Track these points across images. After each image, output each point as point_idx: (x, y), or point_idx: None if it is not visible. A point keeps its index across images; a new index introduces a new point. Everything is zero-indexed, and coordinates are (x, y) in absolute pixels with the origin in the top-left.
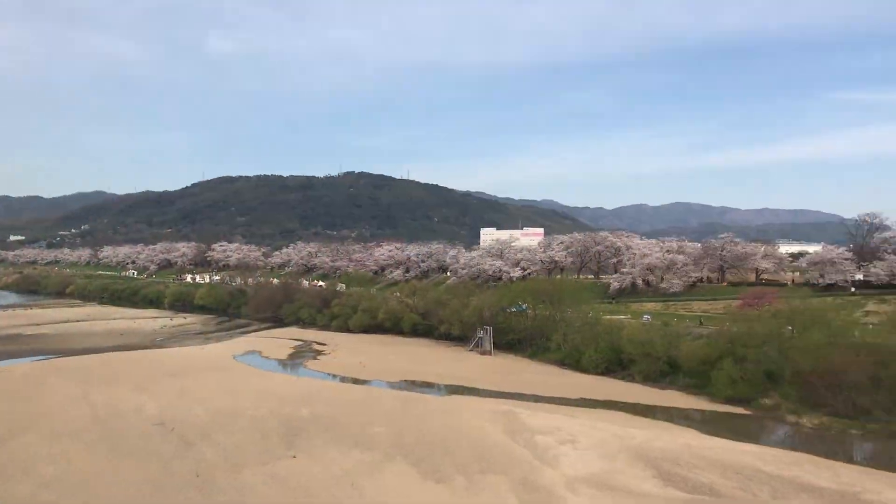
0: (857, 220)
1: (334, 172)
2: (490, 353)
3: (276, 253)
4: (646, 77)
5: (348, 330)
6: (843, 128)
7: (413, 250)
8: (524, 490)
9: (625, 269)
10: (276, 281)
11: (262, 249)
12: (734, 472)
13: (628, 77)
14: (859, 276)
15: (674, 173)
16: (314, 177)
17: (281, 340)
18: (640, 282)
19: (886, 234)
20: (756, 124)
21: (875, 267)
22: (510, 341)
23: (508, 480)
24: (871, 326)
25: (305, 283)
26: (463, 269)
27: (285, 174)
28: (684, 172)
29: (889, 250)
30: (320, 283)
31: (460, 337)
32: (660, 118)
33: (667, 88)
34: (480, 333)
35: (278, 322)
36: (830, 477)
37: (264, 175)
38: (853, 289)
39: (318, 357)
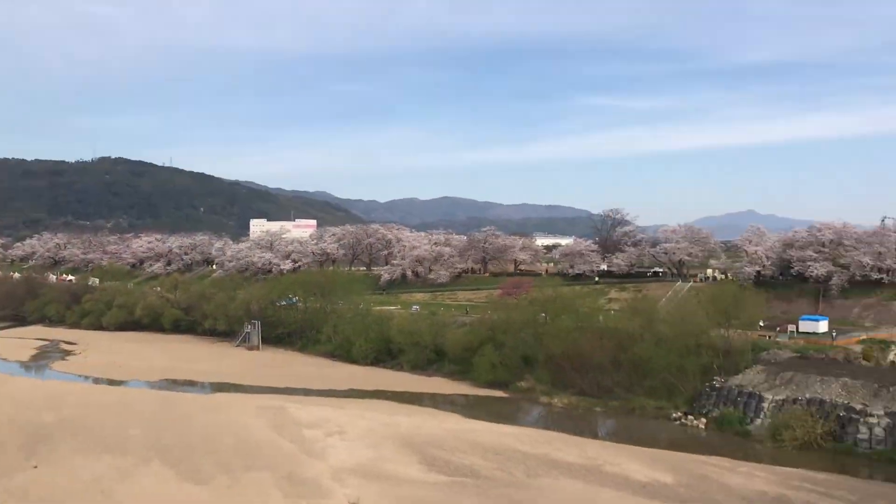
0: (602, 216)
1: (87, 157)
2: (258, 348)
3: (19, 244)
4: (416, 73)
5: (102, 328)
6: (592, 130)
7: (175, 242)
8: (289, 484)
9: (395, 261)
10: (17, 275)
11: (2, 241)
12: (494, 453)
13: (400, 72)
14: (604, 267)
15: (443, 168)
16: (64, 161)
17: (23, 340)
18: (409, 273)
19: (626, 229)
20: (517, 124)
21: (617, 258)
22: (280, 335)
23: (274, 476)
24: (612, 312)
25: (52, 277)
26: (230, 261)
27: (29, 158)
28: (453, 168)
29: (629, 243)
30: (70, 277)
31: (226, 332)
32: (430, 114)
33: (436, 85)
34: (248, 328)
35: (20, 320)
36: (578, 453)
37: (3, 158)
38: (597, 278)
39: (67, 357)
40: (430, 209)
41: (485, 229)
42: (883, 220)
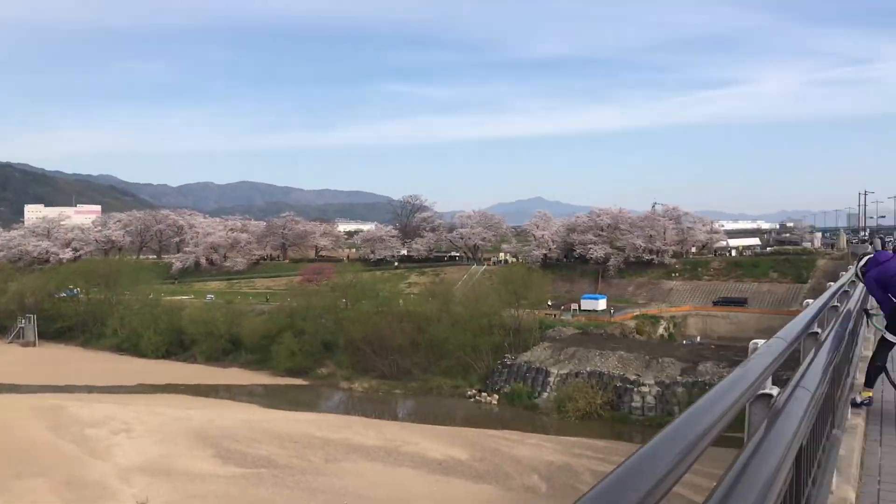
0: (402, 202)
1: None
2: (34, 344)
3: None
4: (211, 52)
5: None
6: (394, 117)
7: None
8: (69, 489)
9: (188, 248)
10: None
11: None
12: (291, 441)
13: (194, 51)
14: (404, 252)
15: (240, 152)
16: None
17: None
18: (204, 261)
19: (425, 214)
20: (319, 109)
21: (416, 243)
22: (59, 329)
23: (51, 482)
24: (412, 296)
25: None
26: (0, 250)
27: None
28: (251, 151)
29: (427, 228)
30: None
31: None
32: (227, 95)
33: (234, 65)
34: (22, 323)
35: None
36: (376, 435)
37: None
38: (396, 263)
39: None
40: (226, 194)
41: (284, 215)
42: (653, 206)
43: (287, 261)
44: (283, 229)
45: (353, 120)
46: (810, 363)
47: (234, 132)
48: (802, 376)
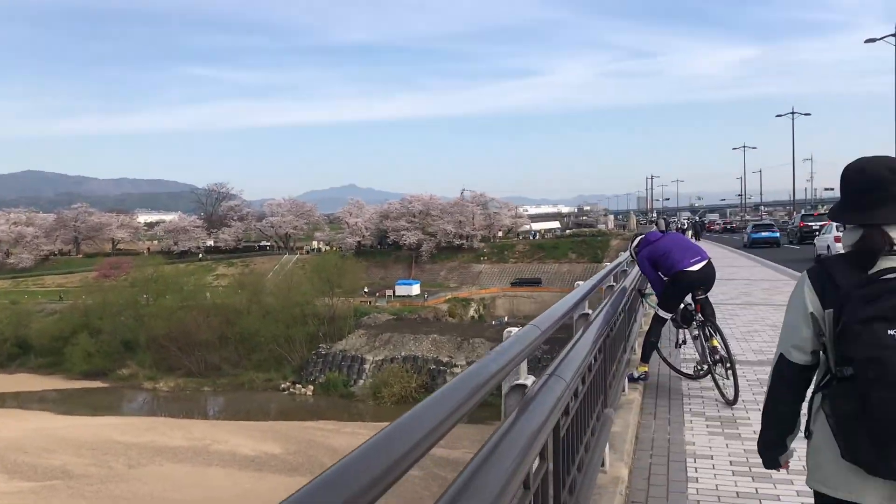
0: (207, 190)
1: None
2: None
3: None
4: None
5: None
6: (196, 102)
7: None
8: None
9: None
10: None
11: None
12: (89, 448)
13: None
14: (210, 242)
15: (24, 138)
16: None
17: None
18: None
19: (232, 203)
20: (115, 93)
21: (223, 233)
22: None
23: None
24: (220, 289)
25: None
26: None
27: None
28: (36, 138)
29: (235, 217)
30: None
31: None
32: (2, 78)
33: (7, 44)
34: None
35: None
36: (183, 435)
37: None
38: (201, 255)
39: None
40: (8, 184)
41: (76, 206)
42: (462, 192)
43: (81, 255)
44: (76, 222)
45: (154, 105)
46: (574, 344)
47: (14, 118)
48: (562, 361)
